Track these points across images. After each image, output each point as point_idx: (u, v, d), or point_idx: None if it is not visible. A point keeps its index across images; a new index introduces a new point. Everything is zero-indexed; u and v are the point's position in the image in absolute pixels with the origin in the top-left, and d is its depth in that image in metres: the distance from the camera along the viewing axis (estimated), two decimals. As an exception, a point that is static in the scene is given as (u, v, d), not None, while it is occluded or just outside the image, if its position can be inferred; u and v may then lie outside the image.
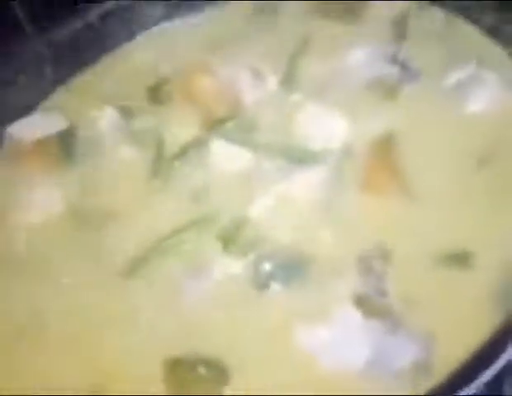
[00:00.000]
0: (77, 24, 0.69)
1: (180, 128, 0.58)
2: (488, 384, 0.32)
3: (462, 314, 0.40)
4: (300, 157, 0.53)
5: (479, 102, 0.53)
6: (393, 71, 0.57)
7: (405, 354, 0.39)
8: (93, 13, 0.69)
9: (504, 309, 0.37)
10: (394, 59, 0.58)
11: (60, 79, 0.67)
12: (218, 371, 0.41)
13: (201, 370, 0.41)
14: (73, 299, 0.48)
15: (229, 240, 0.47)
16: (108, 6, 0.69)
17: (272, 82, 0.60)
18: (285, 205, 0.49)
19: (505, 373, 0.33)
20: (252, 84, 0.60)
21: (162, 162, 0.55)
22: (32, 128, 0.62)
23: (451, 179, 0.48)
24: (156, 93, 0.62)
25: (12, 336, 0.46)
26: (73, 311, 0.47)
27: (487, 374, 0.32)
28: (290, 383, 0.40)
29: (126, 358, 0.43)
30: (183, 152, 0.55)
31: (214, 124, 0.57)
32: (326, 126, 0.54)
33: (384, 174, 0.49)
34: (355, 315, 0.41)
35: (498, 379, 0.32)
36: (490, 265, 0.42)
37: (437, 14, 0.62)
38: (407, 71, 0.57)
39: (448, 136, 0.51)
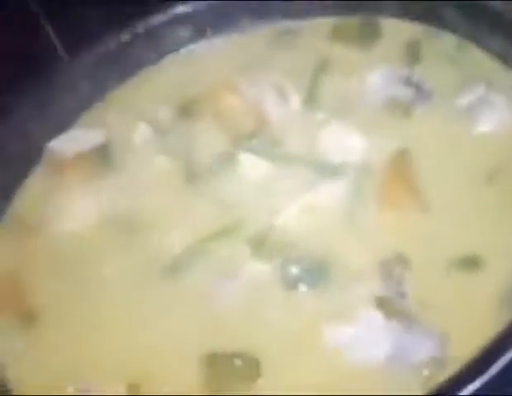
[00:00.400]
0: (110, 44, 0.74)
1: (209, 142, 0.63)
2: (496, 378, 0.36)
3: (474, 315, 0.44)
4: (322, 171, 0.57)
5: (488, 123, 0.57)
6: (407, 92, 0.61)
7: (421, 350, 0.43)
8: (125, 34, 0.74)
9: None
10: (408, 81, 0.62)
11: (95, 96, 0.72)
12: (252, 364, 0.45)
13: (237, 362, 0.45)
14: (114, 298, 0.52)
15: (258, 245, 0.51)
16: (139, 27, 0.74)
17: (296, 101, 0.64)
18: (308, 214, 0.53)
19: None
20: (276, 102, 0.64)
21: (192, 174, 0.59)
22: (71, 142, 0.66)
23: (462, 193, 0.52)
24: (185, 111, 0.67)
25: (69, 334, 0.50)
26: (114, 310, 0.51)
27: (495, 368, 0.36)
28: (318, 376, 0.44)
29: (162, 356, 0.47)
30: (213, 163, 0.59)
31: (241, 140, 0.61)
32: (346, 143, 0.59)
33: (400, 188, 0.53)
34: (377, 316, 0.45)
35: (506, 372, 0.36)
36: (498, 269, 0.46)
37: (448, 39, 0.66)
38: (420, 92, 0.61)
39: (460, 153, 0.55)
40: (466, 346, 0.41)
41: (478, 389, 0.36)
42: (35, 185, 0.65)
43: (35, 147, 0.67)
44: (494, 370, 0.36)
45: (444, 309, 0.45)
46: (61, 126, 0.69)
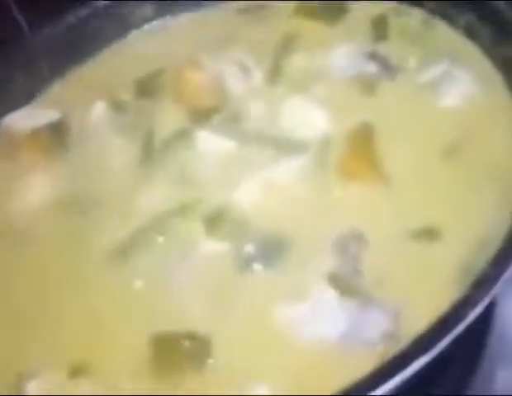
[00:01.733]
0: (70, 20, 0.72)
1: (168, 119, 0.61)
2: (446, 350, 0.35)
3: (429, 290, 0.43)
4: (283, 147, 0.55)
5: (450, 98, 0.56)
6: (372, 67, 0.60)
7: (375, 326, 0.42)
8: (86, 10, 0.72)
9: (468, 282, 0.40)
10: (373, 57, 0.61)
11: (54, 74, 0.70)
12: (202, 344, 0.43)
13: (186, 343, 0.43)
14: (62, 279, 0.50)
15: (213, 224, 0.50)
16: (100, 2, 0.72)
17: (258, 76, 0.63)
18: (267, 191, 0.52)
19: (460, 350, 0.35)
20: (239, 78, 0.63)
21: (149, 151, 0.58)
22: (25, 120, 0.64)
23: (422, 167, 0.51)
24: (146, 87, 0.65)
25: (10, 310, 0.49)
26: (61, 291, 0.49)
27: (445, 341, 0.35)
28: (270, 356, 0.43)
29: (110, 337, 0.46)
30: (170, 141, 0.58)
31: (201, 116, 0.60)
32: (308, 118, 0.57)
33: (361, 162, 0.52)
34: (330, 293, 0.44)
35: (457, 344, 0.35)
36: (454, 243, 0.45)
37: (415, 15, 0.65)
38: (385, 67, 0.60)
39: (421, 128, 0.54)
40: (420, 321, 0.40)
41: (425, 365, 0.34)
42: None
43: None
44: (442, 344, 0.35)
45: (400, 285, 0.44)
46: (18, 103, 0.67)
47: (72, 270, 0.51)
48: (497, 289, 0.37)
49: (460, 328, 0.35)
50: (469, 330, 0.37)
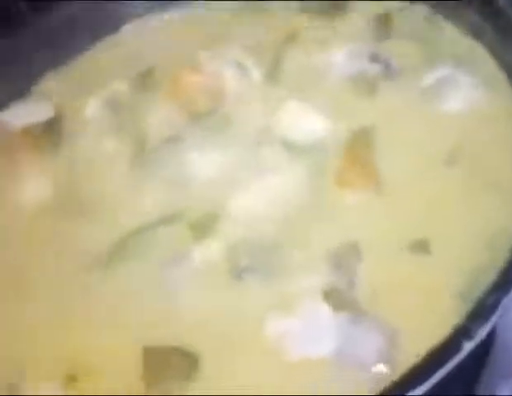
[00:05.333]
0: (63, 14, 0.70)
1: (162, 120, 0.59)
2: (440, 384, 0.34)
3: (427, 306, 0.41)
4: (278, 152, 0.54)
5: (453, 102, 0.54)
6: (374, 69, 0.58)
7: (369, 345, 0.40)
8: (79, 3, 0.70)
9: (463, 297, 0.38)
10: (375, 57, 0.59)
11: (47, 69, 0.68)
12: (190, 359, 0.42)
13: (174, 357, 0.42)
14: (49, 285, 0.49)
15: (205, 232, 0.48)
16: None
17: (257, 77, 0.61)
18: (262, 199, 0.50)
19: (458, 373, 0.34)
20: (236, 78, 0.61)
21: (142, 154, 0.56)
22: (18, 117, 0.63)
23: (421, 174, 0.49)
24: (141, 85, 0.63)
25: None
26: (50, 300, 0.48)
27: (439, 375, 0.33)
28: (259, 372, 0.41)
29: (100, 349, 0.44)
30: (163, 144, 0.56)
31: (196, 118, 0.58)
32: (306, 122, 0.55)
33: (358, 170, 0.50)
34: (324, 307, 0.42)
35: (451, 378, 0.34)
36: (452, 252, 0.44)
37: (420, 13, 0.63)
38: (387, 69, 0.58)
39: (422, 133, 0.52)
40: (418, 341, 0.38)
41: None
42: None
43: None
44: (443, 371, 0.33)
45: (396, 301, 0.42)
46: (11, 99, 0.65)
47: (57, 275, 0.50)
48: (497, 316, 0.35)
49: (458, 358, 0.33)
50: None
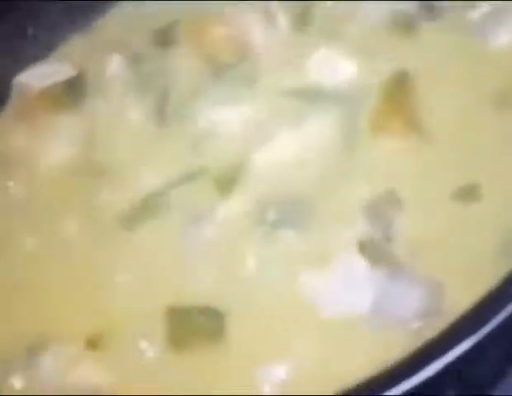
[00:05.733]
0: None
1: (186, 74, 0.56)
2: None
3: (471, 258, 0.38)
4: (309, 100, 0.50)
5: (502, 38, 0.49)
6: (411, 6, 0.53)
7: (409, 300, 0.37)
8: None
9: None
10: (412, -7, 0.54)
11: (69, 29, 0.66)
12: (215, 319, 0.40)
13: (201, 318, 0.40)
14: (73, 247, 0.47)
15: (229, 186, 0.45)
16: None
17: (284, 23, 0.57)
18: (290, 151, 0.47)
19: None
20: (264, 27, 0.57)
21: (165, 111, 0.53)
22: (40, 76, 0.61)
23: (468, 117, 0.45)
24: (164, 38, 0.60)
25: (12, 281, 0.46)
26: (73, 259, 0.46)
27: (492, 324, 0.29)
28: (291, 328, 0.39)
29: (125, 308, 0.43)
30: (187, 100, 0.53)
31: (222, 70, 0.55)
32: (338, 68, 0.51)
33: (396, 116, 0.46)
34: (359, 261, 0.39)
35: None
36: (500, 200, 0.40)
37: None
38: (425, 6, 0.53)
39: (467, 74, 0.48)
40: (462, 295, 0.35)
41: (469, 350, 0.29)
42: (3, 123, 0.59)
43: (3, 82, 0.62)
44: (491, 325, 0.30)
45: (439, 253, 0.39)
46: (32, 60, 0.63)
47: (83, 235, 0.48)
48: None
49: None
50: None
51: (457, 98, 0.47)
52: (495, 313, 0.30)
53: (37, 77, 0.61)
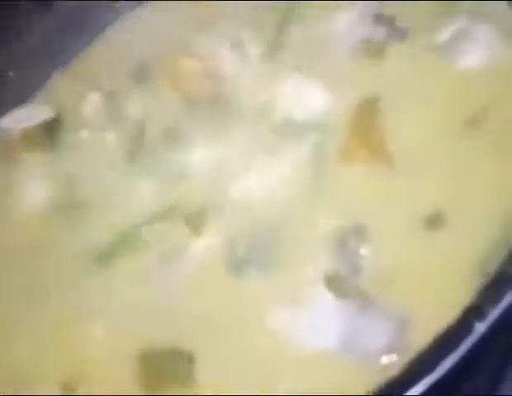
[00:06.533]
0: (61, 10, 0.68)
1: (161, 110, 0.57)
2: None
3: (439, 289, 0.37)
4: (282, 133, 0.50)
5: (470, 58, 0.49)
6: (379, 32, 0.53)
7: (377, 335, 0.36)
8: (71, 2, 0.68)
9: (481, 274, 0.34)
10: (379, 19, 0.54)
11: (49, 69, 0.67)
12: (188, 362, 0.40)
13: (173, 360, 0.40)
14: (48, 288, 0.47)
15: (200, 225, 0.46)
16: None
17: (255, 52, 0.57)
18: (261, 185, 0.47)
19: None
20: (234, 57, 0.57)
21: (140, 149, 0.54)
22: (21, 119, 0.62)
23: (435, 143, 0.45)
24: (140, 75, 0.61)
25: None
26: (48, 300, 0.47)
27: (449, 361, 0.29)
28: (262, 366, 0.38)
29: (98, 354, 0.43)
30: (162, 137, 0.54)
31: (196, 105, 0.55)
32: (307, 97, 0.51)
33: (363, 142, 0.46)
34: (327, 296, 0.39)
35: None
36: (470, 226, 0.39)
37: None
38: (394, 30, 0.53)
39: (436, 96, 0.48)
40: (431, 326, 0.34)
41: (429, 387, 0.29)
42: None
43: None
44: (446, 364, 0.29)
45: (407, 285, 0.38)
46: (13, 102, 0.64)
47: (59, 276, 0.48)
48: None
49: (470, 342, 0.29)
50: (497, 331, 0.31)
51: (425, 122, 0.47)
52: (453, 348, 0.29)
53: (17, 120, 0.62)
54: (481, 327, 0.30)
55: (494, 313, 0.30)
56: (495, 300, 0.30)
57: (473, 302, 0.31)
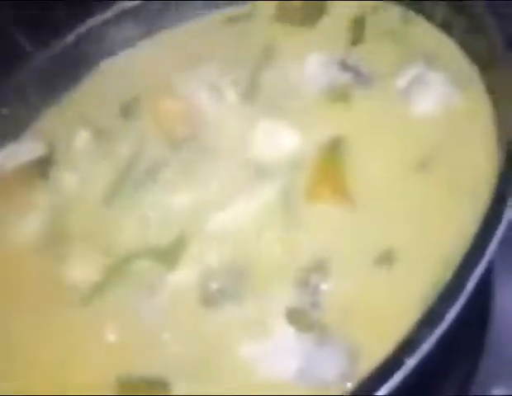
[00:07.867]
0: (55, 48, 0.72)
1: (146, 146, 0.61)
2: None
3: (391, 322, 0.41)
4: (254, 172, 0.54)
5: (425, 103, 0.53)
6: (344, 77, 0.57)
7: (331, 365, 0.40)
8: (69, 38, 0.72)
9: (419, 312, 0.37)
10: (344, 66, 0.58)
11: (41, 105, 0.71)
12: (164, 391, 0.43)
13: (146, 388, 0.43)
14: (34, 324, 0.51)
15: (175, 261, 0.49)
16: (81, 28, 0.73)
17: (232, 96, 0.61)
18: (232, 222, 0.51)
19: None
20: (211, 101, 0.61)
21: (122, 187, 0.58)
22: (13, 156, 0.66)
23: (390, 184, 0.49)
24: (127, 111, 0.65)
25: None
26: (34, 336, 0.50)
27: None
28: (234, 392, 0.42)
29: (80, 376, 0.46)
30: (143, 175, 0.57)
31: (176, 145, 0.59)
32: (278, 139, 0.55)
33: (327, 183, 0.50)
34: (288, 329, 0.43)
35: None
36: (420, 263, 0.43)
37: (393, 11, 0.62)
38: (359, 76, 0.57)
39: (393, 139, 0.52)
40: (377, 359, 0.38)
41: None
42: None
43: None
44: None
45: (361, 318, 0.42)
46: (7, 138, 0.68)
47: (43, 313, 0.51)
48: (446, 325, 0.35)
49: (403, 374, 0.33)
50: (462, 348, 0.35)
51: (383, 164, 0.50)
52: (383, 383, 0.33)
53: (10, 157, 0.66)
54: (411, 363, 0.33)
55: (423, 349, 0.34)
56: (424, 337, 0.34)
57: (405, 338, 0.35)
